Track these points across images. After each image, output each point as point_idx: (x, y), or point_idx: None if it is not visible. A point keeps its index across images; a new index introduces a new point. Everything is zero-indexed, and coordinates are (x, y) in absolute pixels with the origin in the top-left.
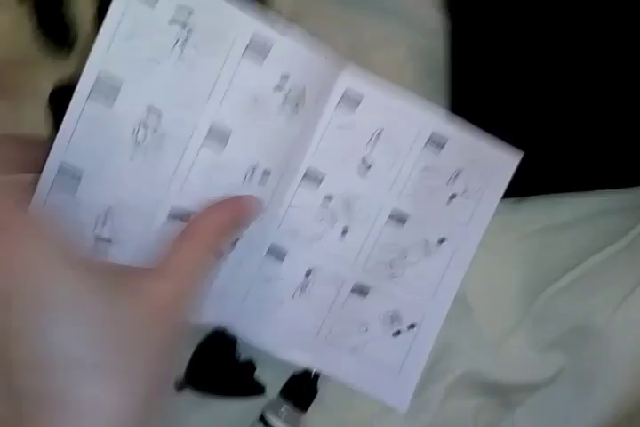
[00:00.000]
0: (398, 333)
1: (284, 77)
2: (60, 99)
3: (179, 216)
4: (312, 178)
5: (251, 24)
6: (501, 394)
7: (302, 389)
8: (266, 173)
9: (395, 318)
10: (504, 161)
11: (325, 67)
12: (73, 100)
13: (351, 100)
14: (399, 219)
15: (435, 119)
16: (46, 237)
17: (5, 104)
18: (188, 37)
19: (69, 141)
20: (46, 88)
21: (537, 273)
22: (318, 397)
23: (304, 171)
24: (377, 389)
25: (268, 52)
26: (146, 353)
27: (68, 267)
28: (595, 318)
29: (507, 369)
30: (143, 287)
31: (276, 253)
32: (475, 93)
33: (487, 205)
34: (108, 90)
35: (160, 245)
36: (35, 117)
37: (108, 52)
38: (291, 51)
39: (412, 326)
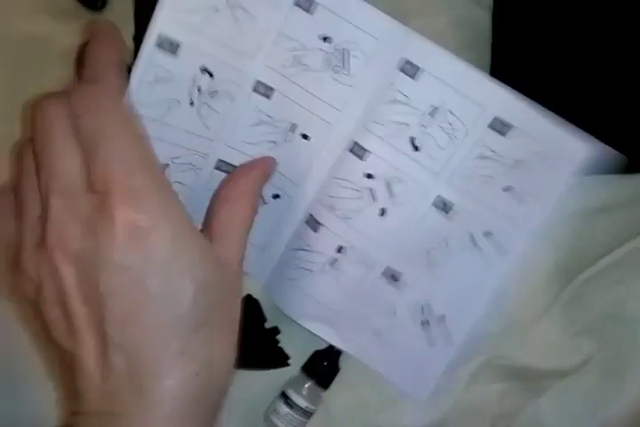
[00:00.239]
0: (427, 323)
1: (333, 32)
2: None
3: (224, 168)
4: (356, 152)
5: None
6: (528, 379)
7: (324, 366)
8: (306, 135)
9: (425, 308)
10: (571, 156)
11: (382, 29)
12: (141, 49)
13: (409, 71)
14: (444, 207)
15: (500, 101)
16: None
17: (35, 56)
18: None
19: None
20: (79, 41)
21: (571, 258)
22: (340, 374)
23: (349, 142)
24: (396, 375)
25: (318, 3)
26: (235, 316)
27: (175, 222)
28: (628, 306)
29: (535, 354)
30: (214, 252)
31: (312, 223)
32: (516, 63)
33: (545, 204)
34: (171, 41)
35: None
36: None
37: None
38: (344, 7)
39: (443, 319)
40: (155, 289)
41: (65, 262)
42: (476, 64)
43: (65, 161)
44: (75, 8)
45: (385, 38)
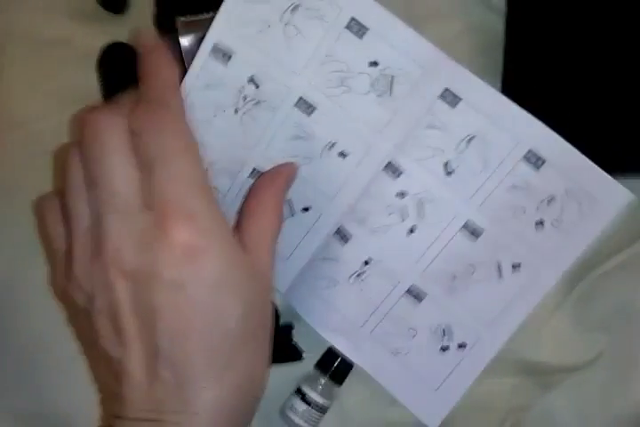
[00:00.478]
0: (447, 348)
1: (381, 58)
2: (110, 56)
3: (257, 177)
4: (391, 170)
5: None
6: (539, 374)
7: (338, 362)
8: (343, 153)
9: (446, 332)
10: (608, 200)
11: (427, 58)
12: (197, 56)
13: (449, 100)
14: (473, 232)
15: (535, 135)
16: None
17: (54, 58)
18: (299, 4)
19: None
20: (100, 43)
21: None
22: (353, 370)
23: (385, 162)
24: (410, 398)
25: (368, 29)
26: (269, 324)
27: (226, 242)
28: None
29: (547, 349)
30: (249, 262)
31: (341, 235)
32: (527, 74)
33: (577, 241)
34: (224, 50)
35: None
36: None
37: (232, 11)
38: (393, 33)
39: (463, 346)
40: (205, 306)
41: (119, 278)
42: (489, 69)
43: (122, 177)
44: (94, 10)
45: (429, 67)
